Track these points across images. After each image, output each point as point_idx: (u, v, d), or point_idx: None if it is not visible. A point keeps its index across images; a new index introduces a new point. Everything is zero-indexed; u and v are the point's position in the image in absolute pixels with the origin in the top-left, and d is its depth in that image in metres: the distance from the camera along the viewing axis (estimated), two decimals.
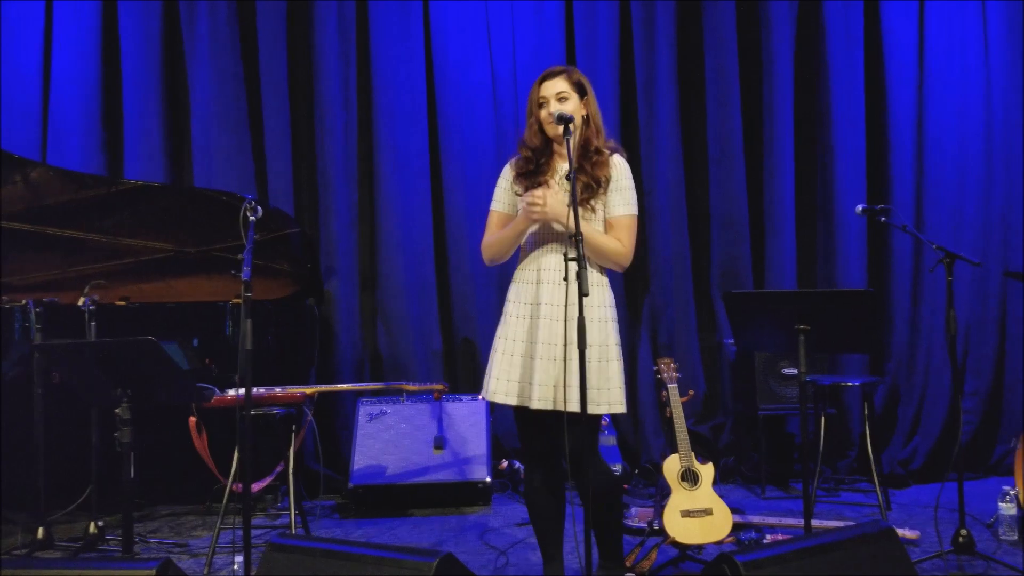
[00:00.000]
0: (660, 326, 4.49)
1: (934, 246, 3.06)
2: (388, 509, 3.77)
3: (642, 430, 4.40)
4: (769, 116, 4.46)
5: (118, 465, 2.61)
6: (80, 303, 3.35)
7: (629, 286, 4.49)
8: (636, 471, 4.29)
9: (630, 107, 4.51)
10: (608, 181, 2.49)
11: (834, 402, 4.18)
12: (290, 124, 4.45)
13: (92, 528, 3.13)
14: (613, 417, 4.15)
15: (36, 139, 4.27)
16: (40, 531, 3.01)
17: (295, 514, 3.06)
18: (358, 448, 3.84)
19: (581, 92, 2.51)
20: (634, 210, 2.53)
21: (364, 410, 3.95)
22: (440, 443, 3.87)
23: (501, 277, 4.47)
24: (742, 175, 4.46)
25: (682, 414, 3.05)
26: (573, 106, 2.48)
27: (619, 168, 2.52)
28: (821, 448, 3.80)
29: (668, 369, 3.19)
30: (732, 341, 4.16)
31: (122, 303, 3.73)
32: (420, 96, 4.44)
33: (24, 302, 3.20)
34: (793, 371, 3.95)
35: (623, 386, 2.53)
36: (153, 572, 1.90)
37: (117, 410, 2.52)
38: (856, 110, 4.39)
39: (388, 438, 3.88)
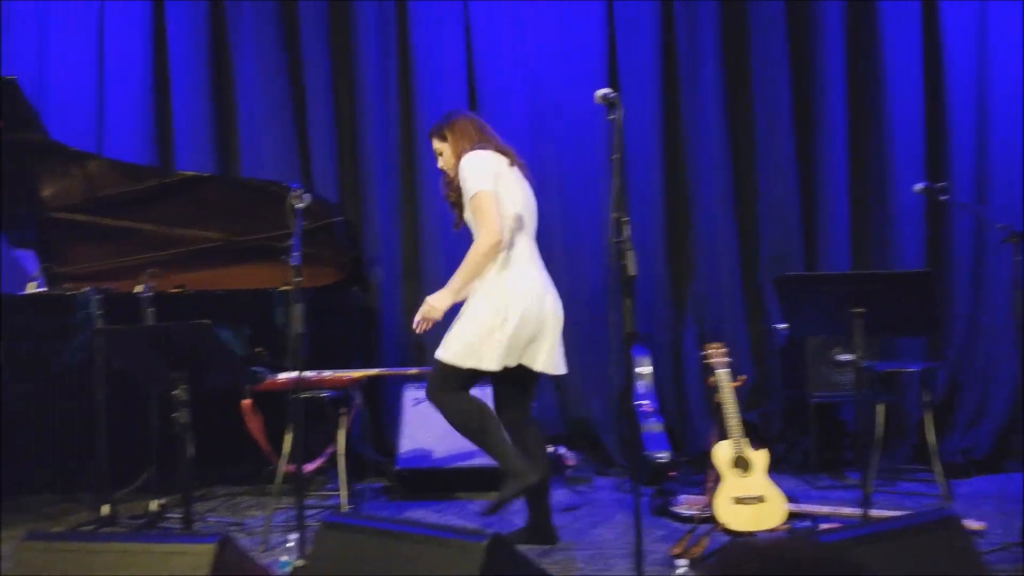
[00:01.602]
0: (706, 313, 4.42)
1: (998, 226, 2.96)
2: (434, 492, 3.79)
3: (689, 417, 4.36)
4: (819, 92, 4.34)
5: (177, 446, 2.67)
6: (137, 291, 3.44)
7: (674, 272, 4.44)
8: (683, 458, 4.25)
9: (672, 88, 4.44)
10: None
11: (891, 389, 4.07)
12: (333, 116, 4.49)
13: (153, 506, 3.22)
14: (661, 404, 4.12)
15: (92, 133, 4.39)
16: (104, 509, 3.10)
17: (345, 495, 3.10)
18: (404, 432, 3.87)
19: (446, 136, 2.94)
20: (474, 189, 2.78)
21: (409, 395, 3.98)
22: None
23: (545, 261, 4.46)
24: (791, 155, 4.36)
25: (733, 399, 3.00)
26: (445, 158, 2.96)
27: (460, 170, 2.85)
28: (878, 436, 3.71)
29: (717, 354, 3.14)
30: (781, 326, 4.08)
31: (177, 291, 3.81)
32: (459, 86, 4.44)
33: (85, 290, 3.29)
34: (846, 357, 3.86)
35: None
36: (213, 546, 1.94)
37: (174, 392, 2.57)
38: (912, 82, 4.22)
39: (433, 423, 3.86)
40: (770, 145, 4.37)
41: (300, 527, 2.55)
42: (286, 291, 3.72)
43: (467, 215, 2.89)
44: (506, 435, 2.86)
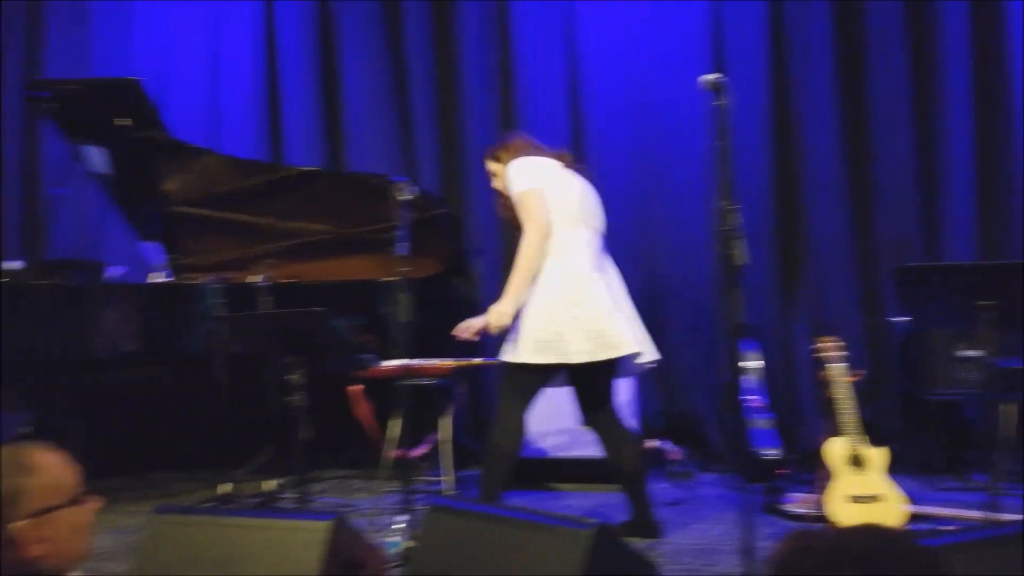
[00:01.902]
0: (819, 305, 4.26)
1: None
2: (536, 482, 3.80)
3: (799, 413, 4.21)
4: (940, 72, 4.10)
5: (292, 429, 2.78)
6: (254, 281, 3.60)
7: (786, 264, 4.29)
8: (793, 456, 4.10)
9: (780, 73, 4.28)
10: None
11: (1020, 386, 3.81)
12: (436, 110, 4.57)
13: (269, 486, 3.37)
14: (772, 399, 3.99)
15: (209, 130, 4.61)
16: (224, 487, 3.26)
17: (449, 481, 3.15)
18: None
19: (500, 157, 2.96)
20: (519, 189, 2.79)
21: None
22: None
23: (645, 253, 4.40)
24: (910, 142, 4.14)
25: (849, 395, 2.88)
26: (500, 178, 2.94)
27: (506, 178, 2.86)
28: (1006, 437, 3.47)
29: (831, 348, 3.02)
30: (900, 319, 3.88)
31: (290, 281, 3.97)
32: (560, 77, 4.44)
33: (208, 279, 3.47)
34: (972, 353, 3.64)
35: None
36: (329, 524, 2.01)
37: (290, 377, 2.68)
38: None
39: (536, 411, 3.90)
40: (887, 132, 4.18)
41: (408, 510, 2.61)
42: (391, 282, 3.82)
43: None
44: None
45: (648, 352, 2.90)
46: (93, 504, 1.35)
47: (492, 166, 3.02)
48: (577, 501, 3.57)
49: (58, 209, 3.54)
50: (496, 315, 2.80)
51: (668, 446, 3.95)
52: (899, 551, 0.91)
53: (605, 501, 3.55)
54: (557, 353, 2.69)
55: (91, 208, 4.63)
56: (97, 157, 3.87)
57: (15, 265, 3.77)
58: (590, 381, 2.86)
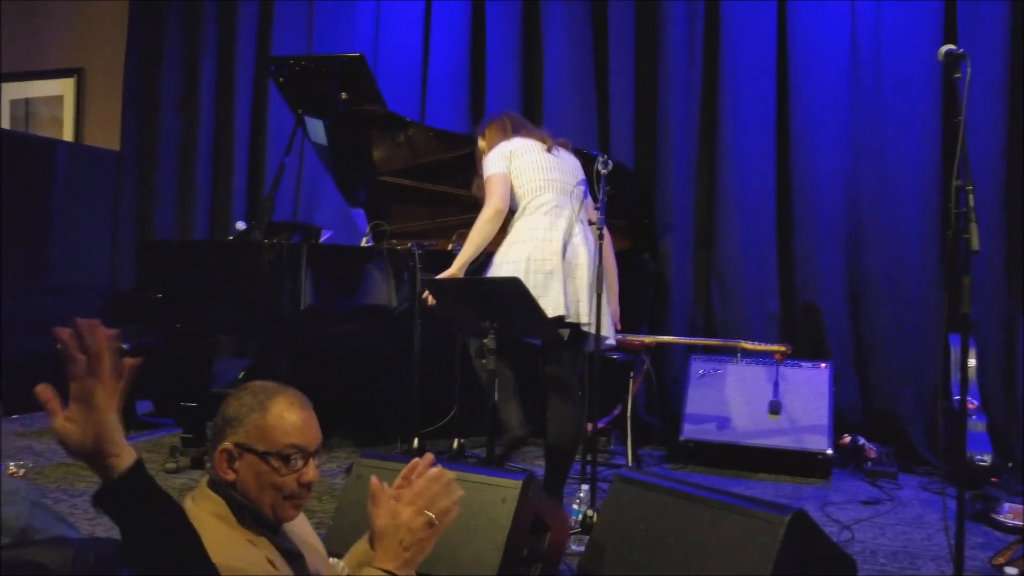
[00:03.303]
0: None
1: None
2: (717, 466, 3.73)
3: (1017, 418, 3.81)
4: None
5: (479, 391, 2.89)
6: (450, 248, 3.76)
7: (1010, 253, 3.88)
8: (1009, 464, 3.73)
9: (1021, 47, 3.84)
10: None
11: None
12: (633, 82, 4.52)
13: (455, 444, 3.53)
14: (983, 402, 3.65)
15: (416, 106, 4.84)
16: (415, 441, 3.46)
17: (630, 455, 3.15)
18: (689, 403, 3.84)
19: (483, 135, 3.09)
20: (486, 174, 2.91)
21: (696, 366, 3.93)
22: (776, 408, 3.71)
23: (849, 238, 4.14)
24: None
25: None
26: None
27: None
28: None
29: None
30: None
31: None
32: (769, 45, 4.24)
33: (409, 245, 3.67)
34: None
35: None
36: (521, 482, 2.08)
37: (484, 340, 2.77)
38: None
39: (720, 396, 3.83)
40: None
41: (592, 479, 2.64)
42: None
43: None
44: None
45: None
46: (302, 474, 1.35)
47: (480, 143, 3.13)
48: (761, 490, 3.46)
49: (283, 176, 3.86)
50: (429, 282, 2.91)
51: (865, 443, 3.72)
52: None
53: (793, 493, 3.42)
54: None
55: (305, 175, 5.03)
56: (317, 128, 4.19)
57: (240, 226, 4.18)
58: (559, 348, 2.85)
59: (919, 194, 3.98)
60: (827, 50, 4.14)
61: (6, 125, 6.15)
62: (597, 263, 2.75)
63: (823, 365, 3.79)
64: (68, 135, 5.98)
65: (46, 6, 6.11)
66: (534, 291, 2.68)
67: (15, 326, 4.77)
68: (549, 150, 3.00)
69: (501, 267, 2.85)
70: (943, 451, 3.73)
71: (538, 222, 2.85)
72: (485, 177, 2.98)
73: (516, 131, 3.08)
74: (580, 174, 3.03)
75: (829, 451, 3.59)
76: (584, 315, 2.78)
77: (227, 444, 1.33)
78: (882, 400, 4.01)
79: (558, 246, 2.79)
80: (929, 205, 3.99)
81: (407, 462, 1.49)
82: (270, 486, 1.33)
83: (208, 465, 1.37)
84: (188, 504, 1.34)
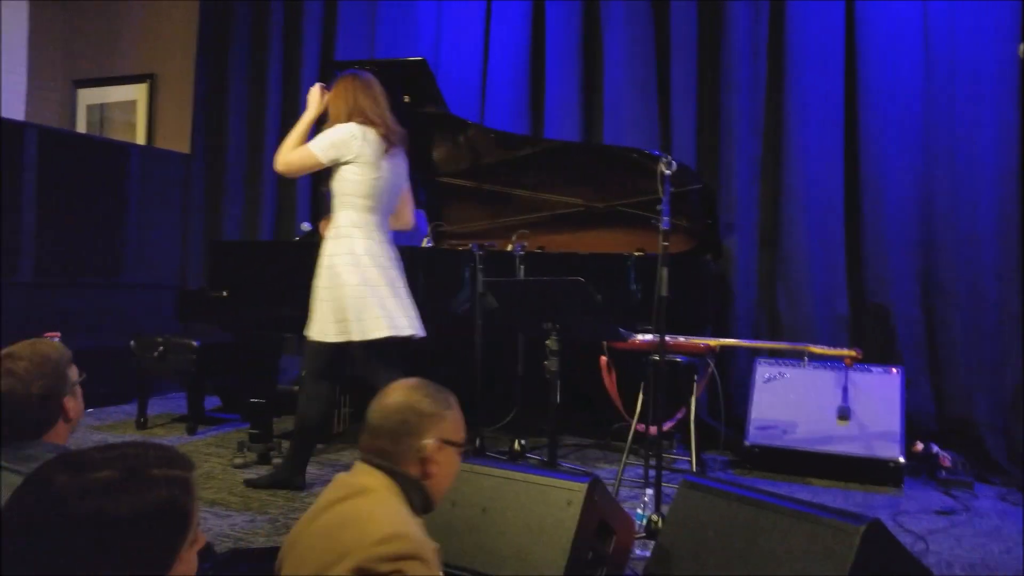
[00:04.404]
0: None
1: None
2: (783, 473, 3.65)
3: None
4: None
5: (540, 391, 2.89)
6: (510, 248, 3.77)
7: None
8: None
9: None
10: None
11: None
12: (695, 82, 4.45)
13: (516, 445, 3.53)
14: None
15: (475, 107, 4.86)
16: (476, 441, 3.47)
17: (694, 460, 3.10)
18: (755, 407, 3.76)
19: (341, 94, 3.11)
20: (311, 147, 3.03)
21: (762, 370, 3.85)
22: (845, 413, 3.61)
23: (921, 239, 4.01)
24: None
25: None
26: (332, 112, 3.11)
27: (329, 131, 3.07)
28: None
29: None
30: None
31: (538, 250, 4.10)
32: (837, 40, 4.13)
33: (470, 246, 3.68)
34: None
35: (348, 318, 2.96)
36: (587, 485, 2.07)
37: (547, 341, 2.77)
38: None
39: (787, 401, 3.74)
40: None
41: (657, 484, 2.61)
42: (639, 256, 3.82)
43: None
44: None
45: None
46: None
47: (339, 94, 3.10)
48: (830, 498, 3.37)
49: None
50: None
51: (939, 451, 3.59)
52: None
53: (864, 501, 3.32)
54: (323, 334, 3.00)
55: None
56: None
57: (306, 227, 4.26)
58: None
59: (996, 194, 3.83)
60: (898, 46, 4.02)
61: (83, 129, 6.40)
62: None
63: (894, 370, 3.68)
64: (141, 139, 6.18)
65: (121, 16, 6.34)
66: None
67: (92, 322, 4.96)
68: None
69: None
70: (1023, 460, 3.58)
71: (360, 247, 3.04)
72: (317, 144, 3.07)
73: (372, 117, 3.10)
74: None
75: (901, 459, 3.48)
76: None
77: (430, 440, 1.47)
78: (957, 407, 3.87)
79: None
80: (1006, 205, 3.83)
81: (467, 462, 1.55)
82: (453, 476, 1.53)
83: (382, 459, 1.46)
84: (360, 479, 1.45)
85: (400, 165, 3.19)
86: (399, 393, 1.52)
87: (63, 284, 4.93)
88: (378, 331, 2.93)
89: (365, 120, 3.04)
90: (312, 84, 5.40)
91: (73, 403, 1.60)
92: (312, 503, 1.51)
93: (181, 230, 5.74)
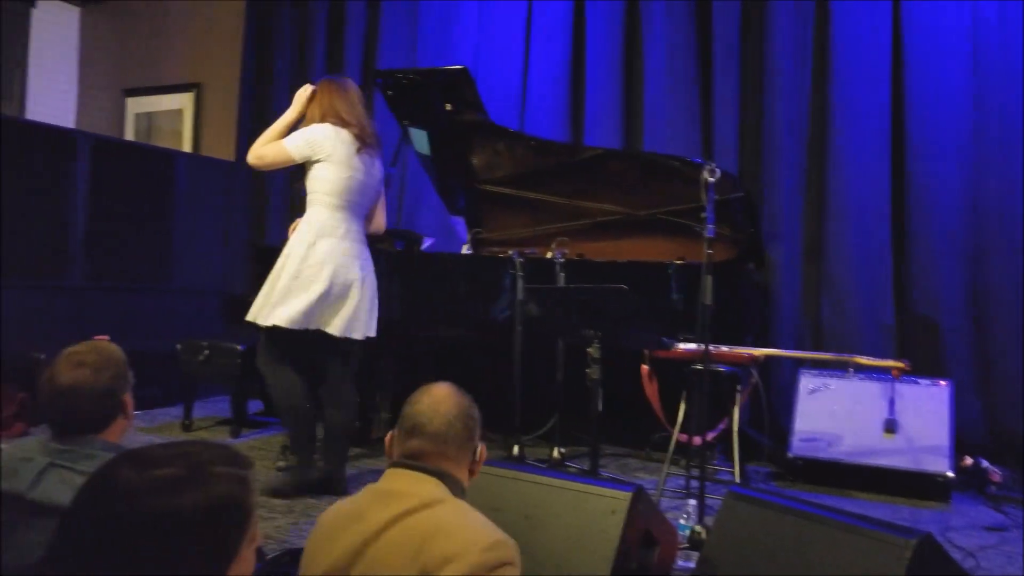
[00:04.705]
0: None
1: None
2: (828, 486, 3.58)
3: None
4: None
5: (581, 399, 2.87)
6: (550, 256, 3.76)
7: None
8: None
9: None
10: None
11: None
12: (738, 88, 4.42)
13: (555, 454, 3.52)
14: None
15: (516, 113, 4.88)
16: (515, 449, 3.47)
17: (737, 472, 3.07)
18: (798, 418, 3.71)
19: (317, 97, 3.27)
20: (291, 143, 3.15)
21: (806, 380, 3.79)
22: (892, 426, 3.54)
23: (971, 250, 3.93)
24: None
25: None
26: (309, 114, 3.24)
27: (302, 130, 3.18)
28: None
29: None
30: None
31: (578, 258, 4.09)
32: (883, 46, 4.08)
33: (511, 253, 3.69)
34: None
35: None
36: (631, 495, 2.05)
37: (589, 349, 2.77)
38: None
39: (831, 413, 3.68)
40: None
41: (700, 495, 2.58)
42: (680, 265, 3.79)
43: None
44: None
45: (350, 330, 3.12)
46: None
47: (315, 97, 3.22)
48: (877, 512, 3.29)
49: (389, 185, 3.98)
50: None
51: (989, 466, 3.51)
52: None
53: (911, 516, 3.25)
54: (264, 316, 3.08)
55: (407, 184, 5.15)
56: (420, 137, 4.28)
57: None
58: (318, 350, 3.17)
59: None
60: (946, 52, 3.95)
61: (131, 137, 6.55)
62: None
63: (943, 382, 3.60)
64: (187, 146, 6.31)
65: (168, 27, 6.49)
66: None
67: (139, 325, 5.06)
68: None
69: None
70: None
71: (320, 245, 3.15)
72: (290, 141, 3.18)
73: (344, 118, 3.18)
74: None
75: (950, 473, 3.40)
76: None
77: (480, 443, 1.58)
78: (1007, 420, 3.78)
79: None
80: None
81: (511, 469, 1.57)
82: None
83: (438, 464, 1.50)
84: (418, 488, 1.46)
85: (375, 167, 3.26)
86: (450, 399, 1.55)
87: (112, 288, 5.04)
88: (274, 319, 3.07)
89: (339, 121, 3.15)
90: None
91: (131, 402, 1.66)
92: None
93: (225, 236, 5.84)
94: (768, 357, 3.64)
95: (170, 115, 6.47)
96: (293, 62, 5.77)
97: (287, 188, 5.77)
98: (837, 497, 3.46)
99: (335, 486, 3.18)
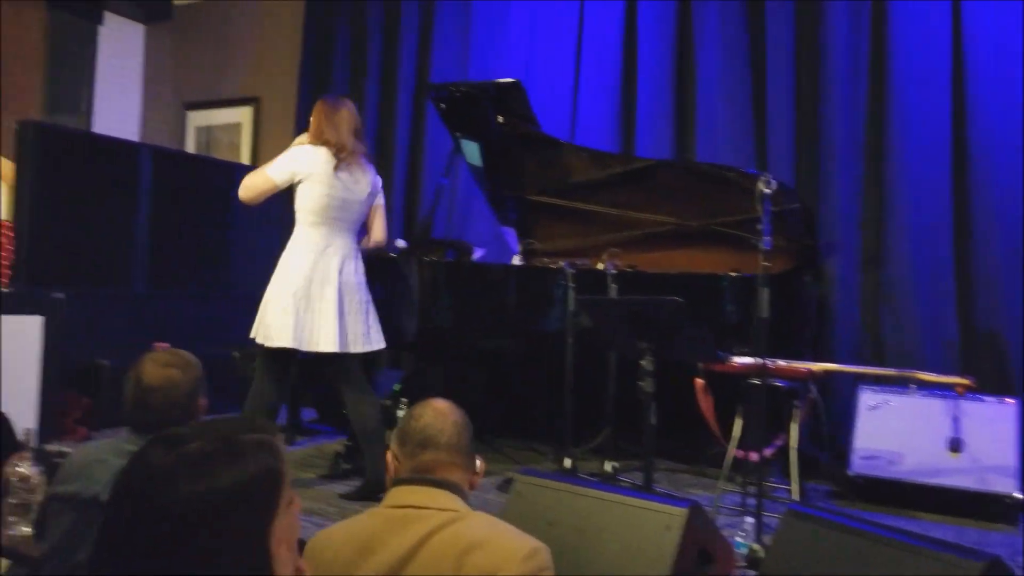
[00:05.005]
0: None
1: None
2: (889, 505, 3.47)
3: None
4: None
5: (633, 412, 2.84)
6: (601, 267, 3.74)
7: None
8: None
9: None
10: None
11: None
12: (793, 99, 4.35)
13: (607, 467, 3.49)
14: None
15: (567, 123, 4.87)
16: (566, 462, 3.45)
17: (796, 489, 3.00)
18: (858, 436, 3.61)
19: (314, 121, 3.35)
20: (266, 170, 3.24)
21: (866, 396, 3.69)
22: (957, 445, 3.43)
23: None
24: None
25: None
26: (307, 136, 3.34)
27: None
28: None
29: None
30: None
31: (629, 269, 4.06)
32: (943, 52, 3.97)
33: (562, 264, 3.68)
34: None
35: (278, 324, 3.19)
36: (687, 511, 2.02)
37: (642, 361, 2.74)
38: None
39: (893, 430, 3.57)
40: None
41: (758, 512, 2.53)
42: (734, 277, 3.73)
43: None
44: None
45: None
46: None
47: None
48: (941, 534, 3.19)
49: (441, 196, 4.02)
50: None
51: None
52: None
53: (978, 538, 3.13)
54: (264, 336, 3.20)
55: (459, 194, 5.18)
56: (472, 149, 4.31)
57: (400, 243, 4.35)
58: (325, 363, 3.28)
59: None
60: (1007, 58, 3.83)
61: (192, 150, 6.74)
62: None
63: (1010, 400, 3.47)
64: (245, 159, 6.46)
65: (229, 43, 6.66)
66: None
67: (198, 332, 5.18)
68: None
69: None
70: None
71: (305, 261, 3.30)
72: (275, 164, 3.26)
73: (326, 136, 3.26)
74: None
75: (1018, 494, 3.27)
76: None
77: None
78: None
79: None
80: None
81: (564, 482, 1.57)
82: None
83: (448, 477, 1.50)
84: (439, 501, 1.44)
85: (360, 182, 3.31)
86: (453, 410, 1.58)
87: (172, 295, 5.18)
88: (280, 340, 3.14)
89: (318, 139, 3.24)
90: (406, 104, 5.57)
91: (205, 405, 1.74)
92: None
93: (281, 245, 5.94)
94: (826, 372, 3.56)
95: (229, 128, 6.63)
96: (348, 78, 5.87)
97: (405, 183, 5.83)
98: (899, 517, 3.36)
99: (377, 489, 3.20)
